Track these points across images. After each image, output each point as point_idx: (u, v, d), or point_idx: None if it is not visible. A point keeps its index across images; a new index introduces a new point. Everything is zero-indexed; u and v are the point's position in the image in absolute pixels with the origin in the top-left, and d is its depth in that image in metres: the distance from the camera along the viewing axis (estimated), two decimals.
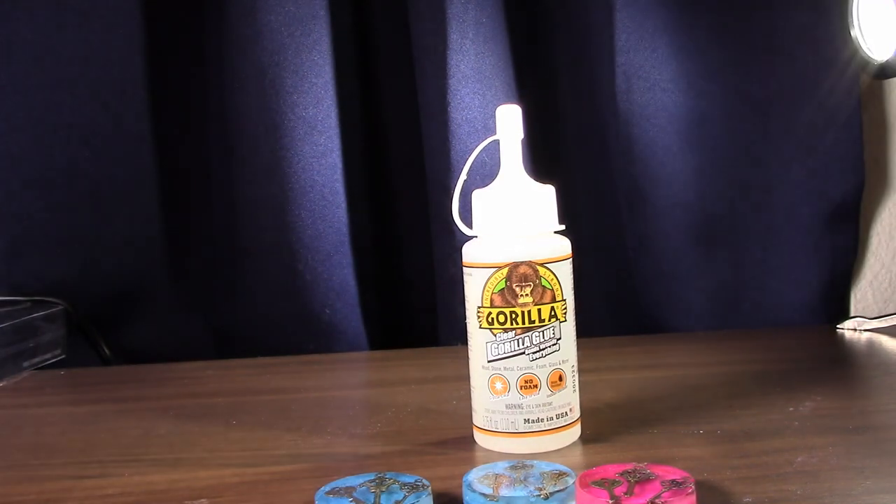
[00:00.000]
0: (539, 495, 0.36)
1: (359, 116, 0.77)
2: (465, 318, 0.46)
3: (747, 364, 0.62)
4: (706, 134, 0.74)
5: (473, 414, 0.47)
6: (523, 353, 0.44)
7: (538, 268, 0.44)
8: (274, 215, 0.74)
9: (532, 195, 0.45)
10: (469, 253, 0.45)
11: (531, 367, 0.44)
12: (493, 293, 0.44)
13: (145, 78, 0.74)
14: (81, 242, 0.75)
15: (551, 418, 0.45)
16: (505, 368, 0.44)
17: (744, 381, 0.57)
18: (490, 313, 0.44)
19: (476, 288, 0.45)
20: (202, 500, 0.40)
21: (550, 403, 0.44)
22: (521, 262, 0.44)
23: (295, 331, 0.75)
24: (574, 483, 0.36)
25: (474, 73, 0.71)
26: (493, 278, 0.44)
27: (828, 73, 0.71)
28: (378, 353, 0.76)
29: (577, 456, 0.44)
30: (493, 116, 0.46)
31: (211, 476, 0.44)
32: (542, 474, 0.38)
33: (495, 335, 0.44)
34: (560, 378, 0.45)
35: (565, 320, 0.45)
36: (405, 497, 0.36)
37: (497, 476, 0.38)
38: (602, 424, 0.49)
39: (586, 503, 0.35)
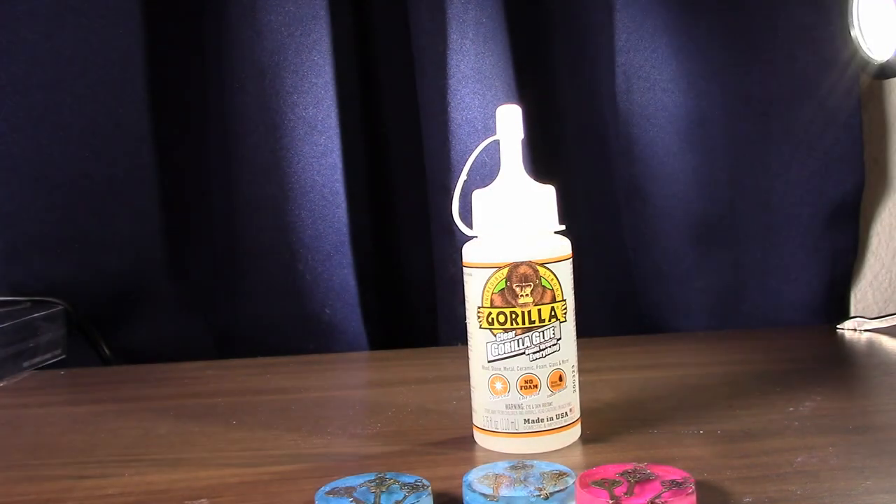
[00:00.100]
0: (539, 495, 0.36)
1: (359, 116, 0.77)
2: (465, 318, 0.46)
3: (747, 364, 0.62)
4: (706, 134, 0.74)
5: (473, 414, 0.47)
6: (523, 353, 0.44)
7: (538, 268, 0.44)
8: (274, 215, 0.74)
9: (532, 195, 0.45)
10: (469, 253, 0.45)
11: (531, 368, 0.44)
12: (493, 293, 0.44)
13: (145, 78, 0.74)
14: (81, 242, 0.75)
15: (551, 418, 0.45)
16: (505, 368, 0.44)
17: (744, 381, 0.57)
18: (490, 313, 0.44)
19: (476, 288, 0.45)
20: (202, 500, 0.40)
21: (550, 403, 0.44)
22: (522, 263, 0.44)
23: (295, 331, 0.75)
24: (574, 483, 0.36)
25: (474, 73, 0.71)
26: (493, 278, 0.44)
27: (828, 73, 0.71)
28: (378, 353, 0.76)
29: (577, 456, 0.44)
30: (493, 116, 0.46)
31: (211, 476, 0.44)
32: (542, 474, 0.38)
33: (495, 335, 0.44)
34: (560, 378, 0.45)
35: (565, 320, 0.45)
36: (405, 497, 0.36)
37: (497, 476, 0.38)
38: (602, 424, 0.49)
39: (586, 503, 0.35)
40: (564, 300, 0.45)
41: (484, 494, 0.36)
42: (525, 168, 0.46)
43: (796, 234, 0.73)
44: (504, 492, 0.36)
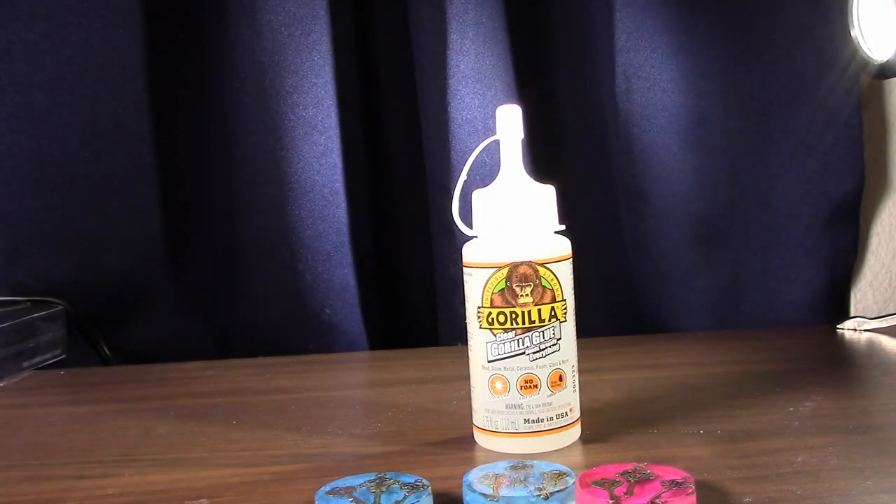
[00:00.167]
0: (539, 495, 0.36)
1: (359, 116, 0.77)
2: (465, 318, 0.46)
3: (747, 364, 0.62)
4: (706, 134, 0.74)
5: (473, 414, 0.47)
6: (523, 353, 0.44)
7: (538, 268, 0.44)
8: (274, 215, 0.74)
9: (532, 195, 0.45)
10: (469, 253, 0.45)
11: (531, 367, 0.44)
12: (493, 293, 0.44)
13: (145, 78, 0.74)
14: (81, 242, 0.75)
15: (551, 418, 0.45)
16: (505, 368, 0.44)
17: (744, 381, 0.57)
18: (490, 313, 0.44)
19: (476, 288, 0.45)
20: (202, 500, 0.40)
21: (550, 403, 0.44)
22: (522, 262, 0.44)
23: (295, 331, 0.75)
24: (574, 483, 0.36)
25: (474, 73, 0.71)
26: (493, 278, 0.44)
27: (828, 73, 0.71)
28: (378, 353, 0.76)
29: (577, 456, 0.44)
30: (493, 116, 0.46)
31: (211, 476, 0.44)
32: (542, 474, 0.38)
33: (495, 335, 0.44)
34: (560, 378, 0.45)
35: (565, 320, 0.45)
36: (405, 497, 0.36)
37: (497, 476, 0.38)
38: (602, 424, 0.49)
39: (586, 503, 0.35)
40: (564, 300, 0.45)
41: (484, 494, 0.36)
42: (525, 168, 0.46)
43: (796, 234, 0.73)
44: (504, 492, 0.36)
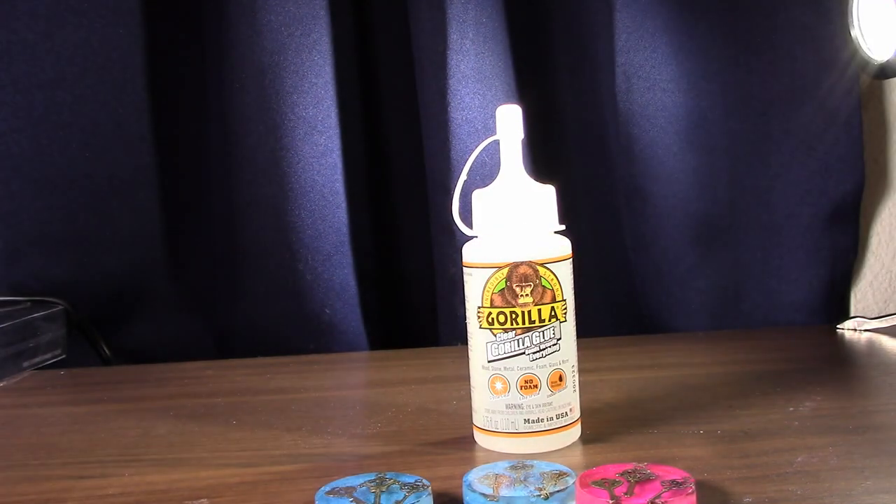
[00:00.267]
0: (539, 495, 0.36)
1: (359, 116, 0.77)
2: (465, 318, 0.46)
3: (747, 364, 0.62)
4: (706, 134, 0.74)
5: (473, 414, 0.47)
6: (523, 353, 0.44)
7: (538, 268, 0.44)
8: (274, 215, 0.74)
9: (532, 195, 0.45)
10: (469, 253, 0.45)
11: (531, 367, 0.44)
12: (493, 293, 0.44)
13: (145, 78, 0.74)
14: (81, 242, 0.75)
15: (551, 418, 0.45)
16: (505, 368, 0.44)
17: (744, 381, 0.57)
18: (490, 313, 0.44)
19: (476, 288, 0.45)
20: (202, 500, 0.40)
21: (550, 403, 0.44)
22: (522, 262, 0.44)
23: (295, 331, 0.75)
24: (574, 483, 0.36)
25: (474, 73, 0.71)
26: (493, 278, 0.44)
27: (828, 73, 0.71)
28: (378, 353, 0.76)
29: (577, 456, 0.44)
30: (493, 116, 0.46)
31: (211, 476, 0.44)
32: (542, 474, 0.38)
33: (495, 335, 0.44)
34: (560, 378, 0.45)
35: (565, 320, 0.45)
36: (405, 497, 0.36)
37: (497, 476, 0.38)
38: (602, 424, 0.49)
39: (586, 503, 0.35)
40: (564, 300, 0.45)
41: (484, 494, 0.36)
42: (525, 168, 0.46)
43: (796, 234, 0.73)
44: (504, 492, 0.36)
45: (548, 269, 0.44)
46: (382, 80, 0.79)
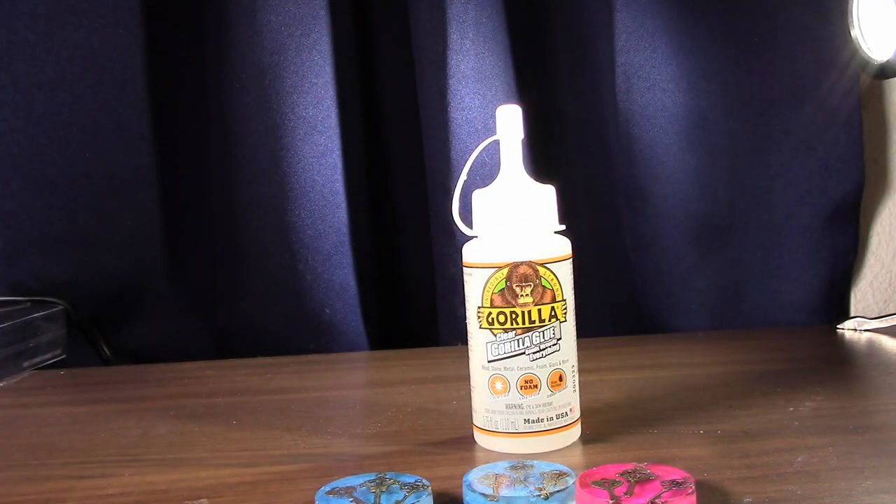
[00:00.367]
0: (539, 495, 0.36)
1: (359, 116, 0.77)
2: (465, 318, 0.46)
3: (747, 364, 0.62)
4: (706, 134, 0.74)
5: (473, 414, 0.47)
6: (523, 353, 0.44)
7: (538, 268, 0.44)
8: (274, 215, 0.74)
9: (532, 195, 0.45)
10: (469, 253, 0.45)
11: (531, 367, 0.44)
12: (493, 293, 0.44)
13: (145, 78, 0.74)
14: (81, 242, 0.75)
15: (551, 418, 0.45)
16: (505, 368, 0.44)
17: (744, 381, 0.57)
18: (490, 313, 0.44)
19: (476, 288, 0.45)
20: (202, 500, 0.40)
21: (550, 403, 0.44)
22: (522, 262, 0.44)
23: (295, 331, 0.75)
24: (574, 483, 0.36)
25: (474, 73, 0.71)
26: (493, 278, 0.44)
27: (828, 73, 0.71)
28: (378, 353, 0.76)
29: (577, 456, 0.44)
30: (493, 116, 0.46)
31: (211, 476, 0.44)
32: (542, 474, 0.38)
33: (495, 335, 0.44)
34: (560, 378, 0.45)
35: (565, 320, 0.45)
36: (405, 497, 0.36)
37: (497, 476, 0.38)
38: (602, 424, 0.49)
39: (586, 503, 0.35)
40: (564, 300, 0.45)
41: (484, 494, 0.36)
42: (525, 168, 0.46)
43: (796, 234, 0.73)
44: (504, 492, 0.36)
45: (548, 269, 0.44)
46: (382, 80, 0.79)
